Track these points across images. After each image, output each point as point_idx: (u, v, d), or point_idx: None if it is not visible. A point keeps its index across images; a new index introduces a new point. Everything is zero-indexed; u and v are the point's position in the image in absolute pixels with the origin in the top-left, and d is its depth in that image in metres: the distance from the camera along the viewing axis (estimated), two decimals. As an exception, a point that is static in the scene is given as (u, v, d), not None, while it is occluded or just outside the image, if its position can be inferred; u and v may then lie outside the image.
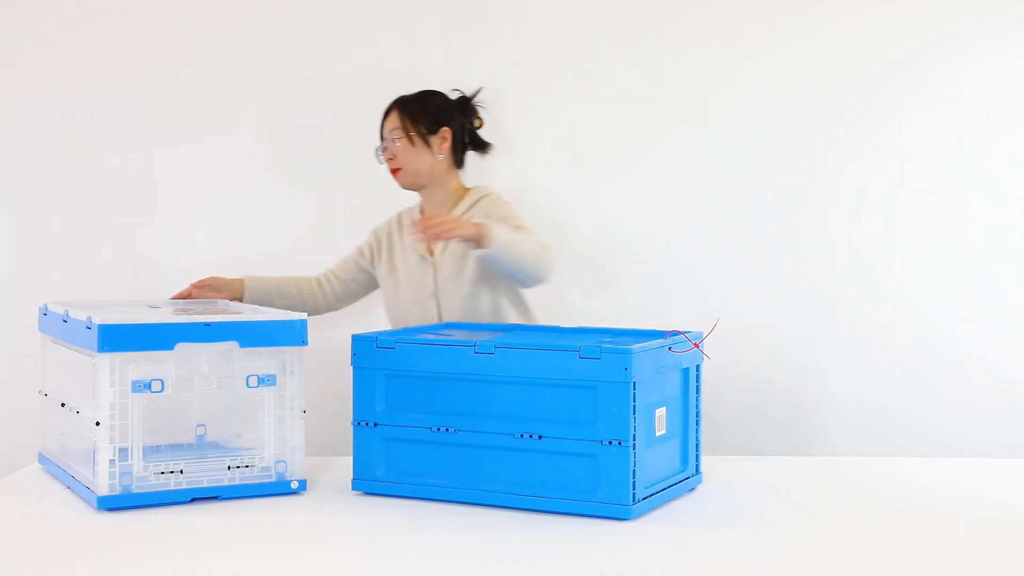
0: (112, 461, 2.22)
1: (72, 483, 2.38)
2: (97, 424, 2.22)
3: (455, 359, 2.26)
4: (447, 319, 2.91)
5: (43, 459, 2.62)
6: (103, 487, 2.22)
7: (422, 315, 2.93)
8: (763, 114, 3.43)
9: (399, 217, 3.06)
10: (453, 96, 2.99)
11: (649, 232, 3.44)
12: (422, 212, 3.00)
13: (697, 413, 2.39)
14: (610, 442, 2.14)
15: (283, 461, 2.36)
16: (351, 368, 2.36)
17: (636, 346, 2.15)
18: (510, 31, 3.46)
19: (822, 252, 3.44)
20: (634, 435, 2.13)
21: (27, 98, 3.53)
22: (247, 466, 2.35)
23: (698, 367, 2.40)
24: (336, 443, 3.01)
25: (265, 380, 2.36)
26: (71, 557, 1.95)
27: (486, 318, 2.89)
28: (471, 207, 2.90)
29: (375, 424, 2.33)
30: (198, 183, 3.54)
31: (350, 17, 3.48)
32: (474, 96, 3.00)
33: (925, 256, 3.42)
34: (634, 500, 2.13)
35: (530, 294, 3.21)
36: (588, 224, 3.44)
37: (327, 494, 2.35)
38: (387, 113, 2.97)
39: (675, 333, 2.32)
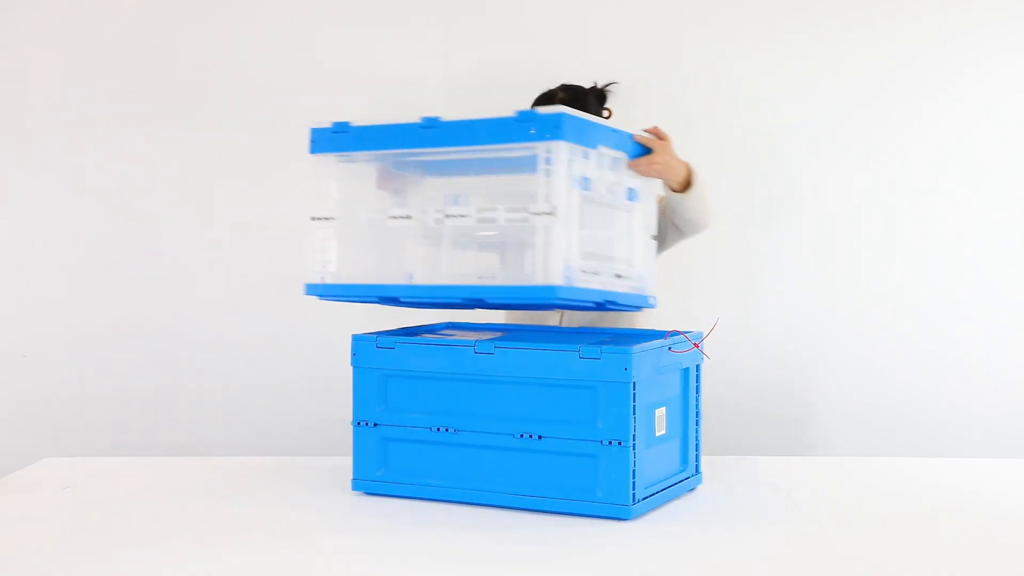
0: (561, 250, 2.14)
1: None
2: (550, 214, 2.13)
3: (455, 359, 2.26)
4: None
5: (314, 288, 2.37)
6: (556, 275, 2.12)
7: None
8: (762, 113, 3.42)
9: None
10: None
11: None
12: None
13: (697, 413, 2.39)
14: (610, 442, 2.14)
15: (643, 275, 2.38)
16: (351, 368, 2.36)
17: (636, 346, 2.15)
18: (510, 30, 3.45)
19: (822, 252, 3.44)
20: (634, 435, 2.13)
21: (27, 98, 3.53)
22: (622, 276, 2.33)
23: (698, 367, 2.40)
24: (336, 443, 3.01)
25: (631, 195, 2.37)
26: (72, 557, 1.95)
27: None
28: None
29: (375, 424, 2.33)
30: (197, 182, 3.53)
31: (349, 17, 3.48)
32: (607, 87, 2.94)
33: (925, 256, 3.42)
34: (634, 500, 2.13)
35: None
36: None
37: (327, 494, 2.35)
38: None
39: (675, 333, 2.32)
